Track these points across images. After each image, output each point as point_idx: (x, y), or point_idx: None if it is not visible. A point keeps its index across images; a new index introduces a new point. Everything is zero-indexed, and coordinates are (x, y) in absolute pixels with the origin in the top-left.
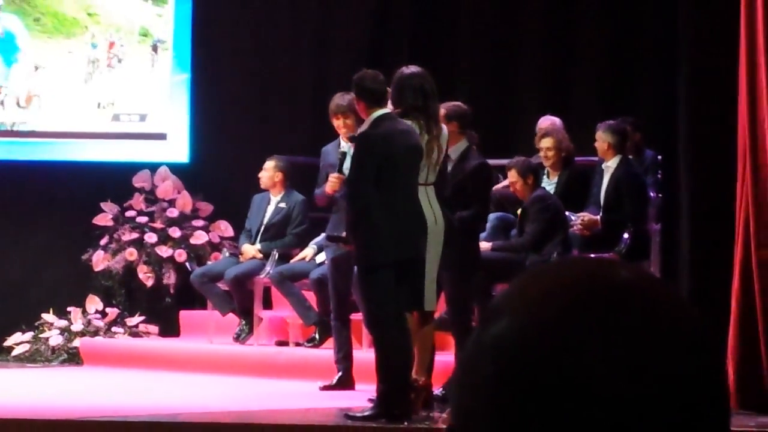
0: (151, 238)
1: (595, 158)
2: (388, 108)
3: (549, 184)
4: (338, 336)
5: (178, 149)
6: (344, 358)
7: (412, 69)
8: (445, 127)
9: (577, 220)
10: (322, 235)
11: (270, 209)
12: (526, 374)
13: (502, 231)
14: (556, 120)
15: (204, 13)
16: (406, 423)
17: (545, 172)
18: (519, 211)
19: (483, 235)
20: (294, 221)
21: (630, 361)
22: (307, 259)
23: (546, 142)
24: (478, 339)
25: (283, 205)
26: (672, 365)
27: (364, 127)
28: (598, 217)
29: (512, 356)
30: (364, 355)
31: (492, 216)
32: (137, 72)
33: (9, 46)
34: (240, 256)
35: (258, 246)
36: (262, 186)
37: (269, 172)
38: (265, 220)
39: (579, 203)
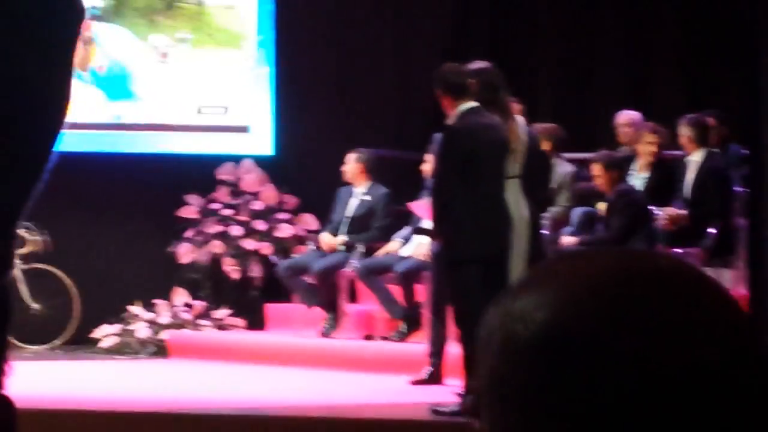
0: (236, 230)
1: (682, 153)
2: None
3: (638, 178)
4: (432, 331)
5: (262, 142)
6: (436, 353)
7: (479, 64)
8: (521, 118)
9: (663, 214)
10: (408, 228)
11: (354, 202)
12: (559, 345)
13: (588, 225)
14: (635, 114)
15: (286, 7)
16: None
17: (634, 167)
18: (604, 206)
19: (568, 229)
20: (378, 215)
21: (664, 348)
22: (394, 253)
23: (653, 138)
24: (506, 340)
25: (367, 198)
26: (710, 355)
27: (450, 121)
28: (684, 211)
29: (544, 326)
30: (453, 349)
31: (577, 210)
32: (220, 65)
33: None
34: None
35: (339, 238)
36: (346, 179)
37: (351, 165)
38: (349, 213)
39: (667, 198)
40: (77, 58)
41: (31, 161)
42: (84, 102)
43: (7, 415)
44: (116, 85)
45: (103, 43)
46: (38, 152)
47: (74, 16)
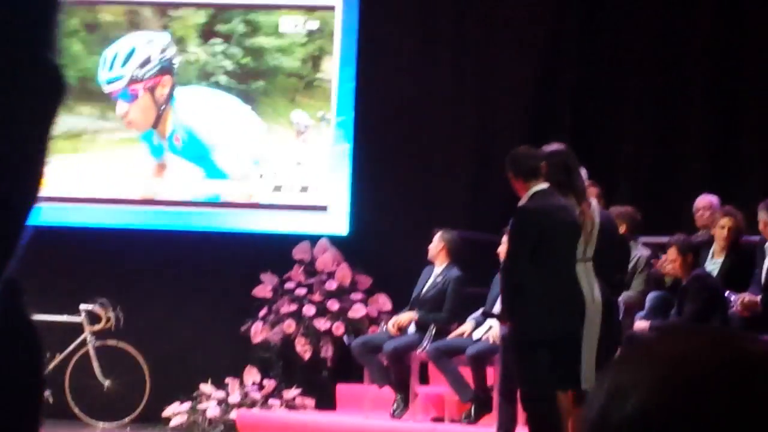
0: (309, 310)
1: (761, 238)
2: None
3: (713, 263)
4: (501, 413)
5: (338, 221)
6: None
7: (554, 146)
8: (594, 201)
9: (738, 300)
10: (480, 310)
11: (429, 282)
12: (654, 426)
13: (662, 310)
14: (713, 198)
15: (365, 86)
16: None
17: (711, 251)
18: (678, 290)
19: (641, 314)
20: (449, 296)
21: None
22: (465, 335)
23: (726, 221)
24: (603, 416)
25: (440, 278)
26: None
27: (521, 203)
28: (759, 298)
29: (639, 405)
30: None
31: (651, 295)
32: (299, 143)
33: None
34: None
35: (412, 314)
36: (429, 257)
37: (435, 242)
38: (424, 292)
39: (743, 284)
40: (146, 118)
41: (2, 238)
42: (161, 178)
43: None
44: (195, 158)
45: (181, 109)
46: (9, 230)
47: (54, 94)
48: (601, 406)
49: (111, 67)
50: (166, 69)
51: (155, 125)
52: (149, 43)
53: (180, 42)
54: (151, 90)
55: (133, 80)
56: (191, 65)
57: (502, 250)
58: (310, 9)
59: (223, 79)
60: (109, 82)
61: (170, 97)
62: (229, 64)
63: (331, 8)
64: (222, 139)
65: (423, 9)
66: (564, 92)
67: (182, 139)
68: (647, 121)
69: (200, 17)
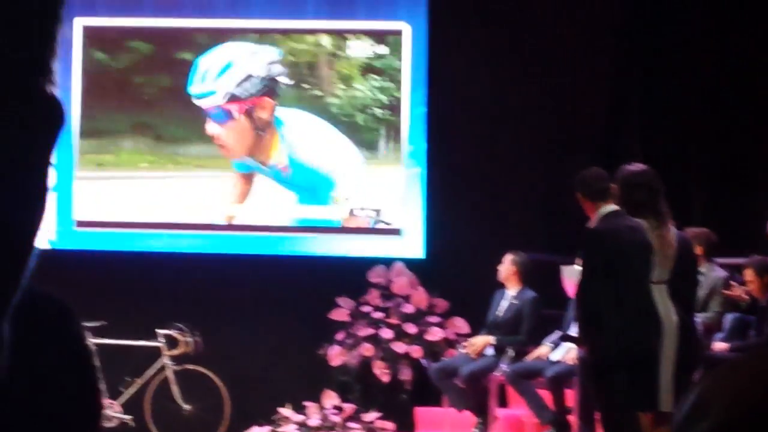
0: (386, 333)
1: None
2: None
3: None
4: None
5: (413, 244)
6: None
7: (638, 167)
8: (672, 227)
9: None
10: (557, 332)
11: (504, 304)
12: None
13: (740, 332)
14: None
15: (438, 108)
16: None
17: None
18: (758, 310)
19: (720, 335)
20: (525, 319)
21: None
22: (543, 357)
23: None
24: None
25: (516, 301)
26: None
27: (591, 224)
28: None
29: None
30: None
31: (730, 317)
32: (373, 167)
33: None
34: (468, 348)
35: (488, 338)
36: (500, 279)
37: (506, 265)
38: (499, 315)
39: None
40: (241, 143)
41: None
42: (242, 204)
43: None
44: (306, 187)
45: (290, 135)
46: (10, 256)
47: (51, 125)
48: (679, 423)
49: (203, 79)
50: (269, 89)
51: (252, 152)
52: (252, 56)
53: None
54: (249, 112)
55: (230, 99)
56: (297, 89)
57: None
58: (379, 34)
59: (322, 106)
60: (200, 97)
61: (271, 120)
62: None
63: (399, 32)
64: (331, 168)
65: (492, 31)
66: (634, 114)
67: (290, 168)
68: (720, 142)
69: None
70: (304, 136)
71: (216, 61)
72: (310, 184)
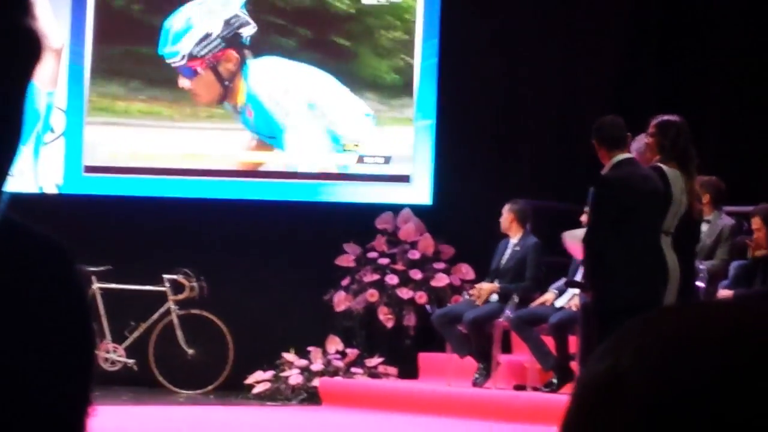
0: (392, 279)
1: None
2: (630, 153)
3: None
4: None
5: (421, 191)
6: None
7: (677, 117)
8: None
9: None
10: (563, 279)
11: (507, 252)
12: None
13: (745, 279)
14: None
15: (449, 60)
16: None
17: None
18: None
19: (725, 283)
20: (529, 265)
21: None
22: (548, 304)
23: None
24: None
25: (518, 248)
26: None
27: (604, 171)
28: None
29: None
30: None
31: (734, 264)
32: (382, 115)
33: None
34: (474, 294)
35: (488, 285)
36: (501, 229)
37: (504, 215)
38: (503, 263)
39: None
40: (209, 93)
41: None
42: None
43: None
44: (265, 134)
45: (255, 81)
46: None
47: (30, 55)
48: (592, 358)
49: (167, 41)
50: (231, 42)
51: (223, 99)
52: (209, 15)
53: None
54: (214, 66)
55: (192, 58)
56: (267, 35)
57: (585, 219)
58: None
59: (300, 48)
60: (168, 57)
61: (240, 70)
62: (309, 33)
63: None
64: (299, 115)
65: None
66: (648, 64)
67: (254, 113)
68: (730, 91)
69: None
70: (268, 82)
71: (177, 23)
72: (268, 128)
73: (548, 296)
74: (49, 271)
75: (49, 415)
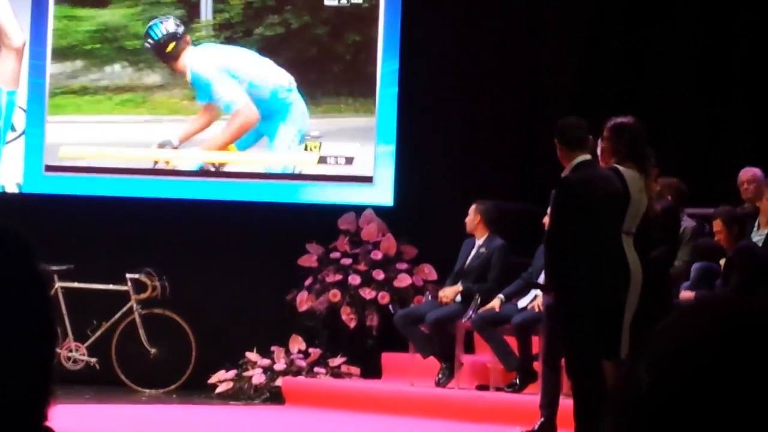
0: (354, 280)
1: None
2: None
3: (759, 235)
4: (545, 382)
5: (383, 192)
6: (549, 404)
7: (630, 119)
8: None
9: None
10: (517, 281)
11: (472, 252)
12: (683, 396)
13: (707, 281)
14: (757, 171)
15: (410, 58)
16: None
17: (756, 223)
18: (724, 261)
19: (686, 284)
20: (494, 266)
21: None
22: (497, 309)
23: None
24: (632, 363)
25: (483, 249)
26: None
27: (565, 173)
28: None
29: (670, 378)
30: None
31: (696, 266)
32: (342, 115)
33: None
34: (439, 297)
35: (458, 287)
36: (467, 229)
37: (471, 215)
38: (467, 264)
39: None
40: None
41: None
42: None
43: None
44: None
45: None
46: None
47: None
48: (626, 364)
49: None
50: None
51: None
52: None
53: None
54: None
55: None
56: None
57: (547, 220)
58: None
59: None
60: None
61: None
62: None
63: None
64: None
65: None
66: (611, 64)
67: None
68: (693, 93)
69: None
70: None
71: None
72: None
73: (494, 303)
74: (7, 257)
75: (8, 401)
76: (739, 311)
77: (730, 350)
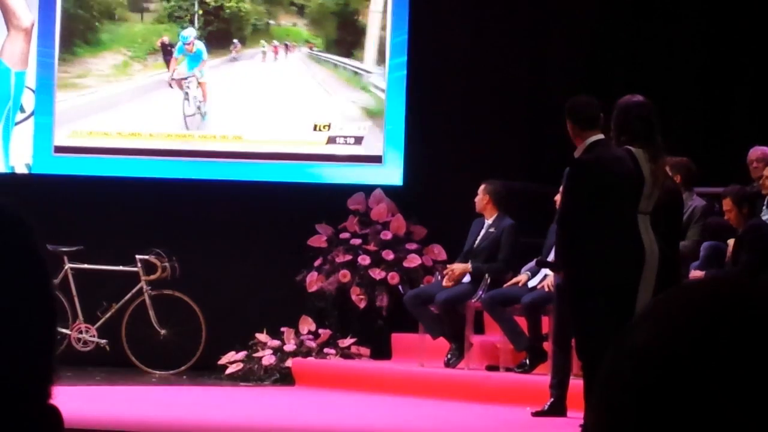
0: (364, 260)
1: None
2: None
3: None
4: (555, 362)
5: (392, 172)
6: (559, 385)
7: (640, 98)
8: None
9: None
10: (534, 260)
11: (482, 233)
12: (666, 381)
13: (716, 260)
14: (767, 150)
15: (418, 37)
16: None
17: (765, 201)
18: (733, 241)
19: (695, 264)
20: (503, 246)
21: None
22: (521, 284)
23: None
24: (620, 345)
25: (492, 229)
26: None
27: (577, 153)
28: None
29: (653, 363)
30: (576, 382)
31: (705, 245)
32: (353, 94)
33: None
34: (446, 273)
35: (467, 265)
36: (476, 209)
37: (480, 195)
38: (477, 244)
39: None
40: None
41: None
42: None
43: (56, 428)
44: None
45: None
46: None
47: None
48: (619, 338)
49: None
50: None
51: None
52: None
53: None
54: None
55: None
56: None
57: (559, 199)
58: None
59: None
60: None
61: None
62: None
63: None
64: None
65: None
66: (619, 43)
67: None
68: (702, 72)
69: None
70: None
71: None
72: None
73: (521, 277)
74: (6, 237)
75: (9, 381)
76: (732, 294)
77: (718, 335)
